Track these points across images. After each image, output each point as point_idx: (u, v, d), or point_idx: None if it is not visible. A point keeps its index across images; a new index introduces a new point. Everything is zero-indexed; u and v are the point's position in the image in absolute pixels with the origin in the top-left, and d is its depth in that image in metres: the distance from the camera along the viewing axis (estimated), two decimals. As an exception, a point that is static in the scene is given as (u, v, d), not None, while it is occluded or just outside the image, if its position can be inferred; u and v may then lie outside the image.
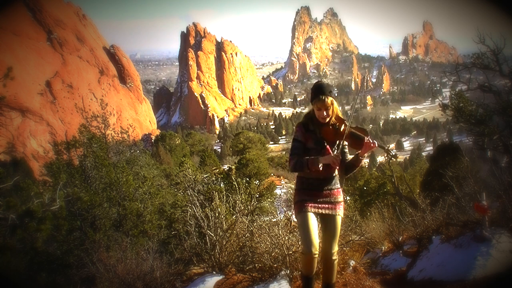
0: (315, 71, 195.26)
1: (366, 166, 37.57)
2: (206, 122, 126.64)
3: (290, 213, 4.04)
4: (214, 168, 23.49)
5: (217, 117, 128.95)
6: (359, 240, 5.25)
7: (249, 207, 4.70)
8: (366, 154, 2.71)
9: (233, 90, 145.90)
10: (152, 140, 57.62)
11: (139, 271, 4.23)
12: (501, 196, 4.66)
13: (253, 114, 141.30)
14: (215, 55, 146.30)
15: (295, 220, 2.99)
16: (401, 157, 76.01)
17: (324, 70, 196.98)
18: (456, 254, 4.15)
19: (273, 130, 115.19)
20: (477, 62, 8.91)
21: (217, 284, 3.83)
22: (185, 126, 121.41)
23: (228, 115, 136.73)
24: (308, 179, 2.84)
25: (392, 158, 2.71)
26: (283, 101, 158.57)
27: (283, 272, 3.68)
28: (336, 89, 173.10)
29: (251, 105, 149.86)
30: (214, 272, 4.13)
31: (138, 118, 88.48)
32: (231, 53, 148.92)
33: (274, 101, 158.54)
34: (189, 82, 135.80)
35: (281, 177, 27.40)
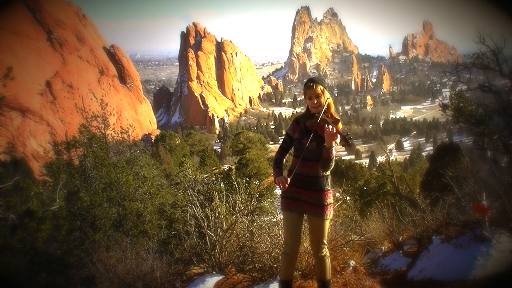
0: (315, 71, 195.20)
1: (366, 166, 37.55)
2: (206, 122, 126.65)
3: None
4: (214, 168, 23.50)
5: (217, 117, 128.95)
6: (359, 240, 5.24)
7: (249, 207, 4.70)
8: (333, 145, 2.56)
9: (233, 90, 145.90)
10: (152, 140, 57.62)
11: (139, 271, 4.23)
12: (501, 196, 4.66)
13: (253, 114, 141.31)
14: (215, 55, 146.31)
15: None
16: (401, 157, 76.05)
17: (324, 70, 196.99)
18: (456, 254, 4.15)
19: (273, 130, 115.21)
20: (477, 62, 8.91)
21: (217, 284, 3.83)
22: (185, 126, 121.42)
23: (228, 115, 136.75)
24: (297, 174, 2.74)
25: (346, 145, 2.56)
26: (283, 101, 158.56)
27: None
28: (336, 89, 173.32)
29: (251, 105, 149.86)
30: (214, 272, 4.13)
31: (138, 118, 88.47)
32: (231, 53, 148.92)
33: (274, 101, 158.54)
34: (189, 82, 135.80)
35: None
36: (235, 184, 5.37)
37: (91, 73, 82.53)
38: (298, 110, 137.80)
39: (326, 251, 2.87)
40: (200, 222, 4.49)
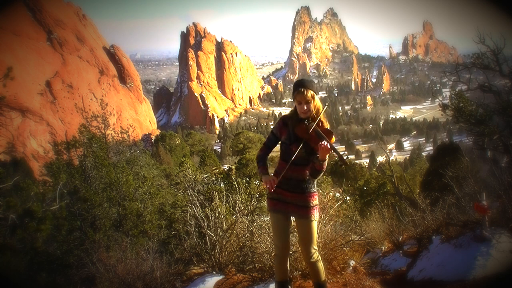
0: (315, 71, 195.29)
1: (366, 166, 37.54)
2: (206, 122, 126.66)
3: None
4: (214, 168, 23.49)
5: (217, 117, 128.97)
6: (359, 240, 5.25)
7: (249, 207, 4.69)
8: (326, 159, 2.57)
9: (233, 90, 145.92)
10: (152, 140, 57.64)
11: (139, 271, 4.23)
12: (501, 196, 4.66)
13: (253, 114, 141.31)
14: (215, 55, 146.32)
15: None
16: (401, 157, 76.07)
17: (324, 70, 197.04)
18: (456, 254, 4.15)
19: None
20: (477, 62, 8.91)
21: (217, 284, 3.83)
22: (185, 126, 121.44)
23: (228, 115, 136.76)
24: (281, 177, 2.75)
25: (343, 165, 2.54)
26: (283, 101, 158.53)
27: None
28: (336, 89, 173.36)
29: (251, 105, 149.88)
30: (214, 272, 4.14)
31: (138, 118, 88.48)
32: (231, 53, 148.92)
33: (274, 101, 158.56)
34: (189, 82, 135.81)
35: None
36: (235, 184, 5.36)
37: (91, 73, 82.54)
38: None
39: (317, 256, 2.85)
40: (200, 222, 4.49)
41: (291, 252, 3.71)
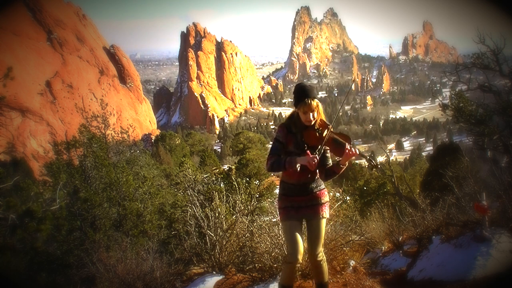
0: (315, 71, 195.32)
1: (366, 166, 37.51)
2: (206, 122, 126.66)
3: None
4: (214, 168, 23.49)
5: (217, 117, 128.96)
6: (359, 240, 5.25)
7: (249, 207, 4.70)
8: (347, 163, 2.59)
9: (233, 90, 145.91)
10: (152, 140, 57.63)
11: (139, 271, 4.23)
12: (501, 196, 4.66)
13: (253, 114, 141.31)
14: (215, 55, 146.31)
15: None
16: (401, 157, 76.05)
17: (324, 70, 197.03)
18: (456, 254, 4.15)
19: (273, 130, 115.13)
20: (477, 62, 8.92)
21: (217, 284, 3.83)
22: (185, 126, 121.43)
23: (228, 115, 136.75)
24: (289, 184, 2.77)
25: (374, 168, 2.55)
26: (283, 101, 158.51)
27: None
28: (336, 89, 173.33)
29: (251, 105, 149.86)
30: (214, 272, 4.13)
31: (138, 118, 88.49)
32: (231, 53, 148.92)
33: (274, 101, 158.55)
34: (189, 82, 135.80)
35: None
36: (235, 184, 5.37)
37: (91, 73, 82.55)
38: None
39: (323, 256, 2.85)
40: (200, 222, 4.49)
41: None
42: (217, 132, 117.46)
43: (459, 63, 10.77)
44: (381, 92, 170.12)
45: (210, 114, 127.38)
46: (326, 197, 2.82)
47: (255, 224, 4.36)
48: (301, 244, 2.78)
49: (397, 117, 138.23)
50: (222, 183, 9.94)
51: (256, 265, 3.97)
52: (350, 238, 4.43)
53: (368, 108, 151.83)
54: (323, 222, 2.80)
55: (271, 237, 3.92)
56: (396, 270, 5.50)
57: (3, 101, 42.46)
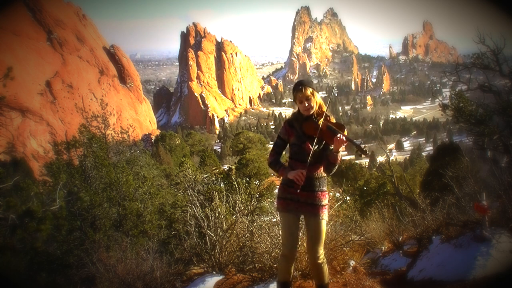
0: (315, 71, 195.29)
1: (366, 166, 37.55)
2: (206, 122, 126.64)
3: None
4: (214, 168, 23.52)
5: (217, 117, 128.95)
6: (359, 240, 5.24)
7: (249, 207, 4.69)
8: (340, 150, 2.63)
9: (233, 90, 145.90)
10: (152, 140, 57.63)
11: (139, 271, 4.23)
12: (501, 196, 4.66)
13: (253, 114, 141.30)
14: (215, 55, 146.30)
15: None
16: (401, 157, 76.05)
17: (324, 70, 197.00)
18: (456, 254, 4.15)
19: (273, 130, 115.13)
20: (477, 62, 8.91)
21: (217, 284, 3.83)
22: (185, 126, 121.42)
23: (228, 115, 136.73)
24: (289, 179, 2.79)
25: (362, 155, 2.59)
26: (283, 101, 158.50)
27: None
28: (336, 89, 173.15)
29: (251, 105, 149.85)
30: (214, 272, 4.13)
31: (138, 118, 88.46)
32: (231, 53, 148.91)
33: (274, 101, 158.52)
34: (189, 82, 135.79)
35: (281, 177, 27.30)
36: (235, 184, 5.37)
37: (91, 73, 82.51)
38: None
39: (323, 257, 2.85)
40: (200, 222, 4.49)
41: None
42: (217, 132, 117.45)
43: (459, 63, 10.76)
44: (381, 92, 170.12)
45: (210, 114, 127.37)
46: (326, 200, 2.83)
47: (255, 224, 4.36)
48: (296, 237, 2.82)
49: (397, 117, 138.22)
50: (222, 183, 9.95)
51: (256, 265, 3.97)
52: (350, 238, 4.43)
53: (368, 108, 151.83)
54: (323, 224, 2.80)
55: (271, 237, 3.92)
56: (396, 270, 5.50)
57: (3, 101, 42.45)
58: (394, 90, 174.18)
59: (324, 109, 2.78)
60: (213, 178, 9.88)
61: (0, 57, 56.15)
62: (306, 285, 3.58)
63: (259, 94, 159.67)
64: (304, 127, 2.74)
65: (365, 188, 15.31)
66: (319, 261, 2.82)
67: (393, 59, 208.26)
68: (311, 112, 2.74)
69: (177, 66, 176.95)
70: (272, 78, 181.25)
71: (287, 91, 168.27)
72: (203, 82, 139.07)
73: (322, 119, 2.70)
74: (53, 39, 78.63)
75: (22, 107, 62.68)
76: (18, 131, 61.02)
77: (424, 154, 69.25)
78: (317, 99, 2.74)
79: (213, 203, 4.74)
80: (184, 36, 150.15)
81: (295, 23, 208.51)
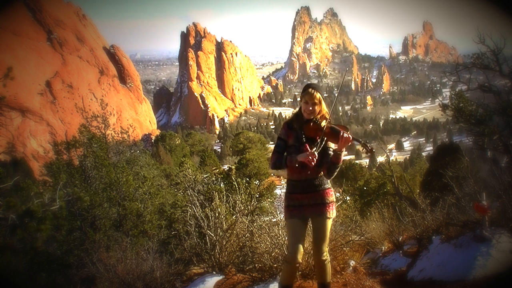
0: (315, 71, 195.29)
1: (366, 166, 37.55)
2: (206, 122, 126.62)
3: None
4: (214, 168, 23.52)
5: (217, 117, 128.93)
6: (359, 240, 5.25)
7: (249, 207, 4.69)
8: (343, 149, 2.65)
9: (233, 90, 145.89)
10: (152, 140, 57.62)
11: (139, 271, 4.23)
12: (501, 196, 4.66)
13: (253, 114, 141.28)
14: (215, 55, 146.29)
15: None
16: (401, 157, 76.04)
17: (324, 70, 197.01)
18: (456, 254, 4.15)
19: (273, 130, 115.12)
20: (477, 62, 8.92)
21: (217, 284, 3.83)
22: (185, 126, 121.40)
23: (228, 115, 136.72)
24: (293, 181, 2.82)
25: (368, 153, 2.63)
26: (283, 101, 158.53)
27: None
28: (336, 89, 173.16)
29: (251, 105, 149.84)
30: (214, 272, 4.13)
31: (138, 118, 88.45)
32: (231, 53, 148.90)
33: (274, 101, 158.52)
34: (189, 82, 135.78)
35: (281, 177, 27.40)
36: (235, 184, 5.37)
37: (91, 73, 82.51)
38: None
39: (327, 255, 2.87)
40: (200, 222, 4.49)
41: None
42: (217, 132, 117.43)
43: (459, 63, 10.77)
44: (381, 92, 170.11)
45: (210, 114, 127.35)
46: (331, 197, 2.82)
47: (255, 224, 4.36)
48: (301, 244, 2.78)
49: (397, 117, 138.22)
50: (222, 183, 9.96)
51: (256, 265, 3.97)
52: (350, 238, 4.43)
53: (368, 108, 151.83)
54: (329, 222, 2.81)
55: (271, 237, 3.92)
56: (396, 270, 5.50)
57: (3, 101, 42.43)
58: (394, 90, 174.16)
59: (327, 115, 2.79)
60: (213, 178, 9.89)
61: (0, 57, 56.15)
62: (306, 285, 3.58)
63: (259, 94, 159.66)
64: (305, 129, 2.75)
65: (365, 188, 15.30)
66: (323, 259, 2.84)
67: (393, 59, 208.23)
68: (311, 116, 2.75)
69: (177, 66, 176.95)
70: (272, 78, 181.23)
71: (287, 91, 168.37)
72: (203, 82, 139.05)
73: (324, 122, 2.71)
74: (53, 39, 78.63)
75: (22, 107, 62.67)
76: (18, 131, 61.02)
77: (424, 154, 69.27)
78: (323, 107, 2.76)
79: (213, 203, 4.74)
80: (184, 36, 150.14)
81: (295, 23, 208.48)
